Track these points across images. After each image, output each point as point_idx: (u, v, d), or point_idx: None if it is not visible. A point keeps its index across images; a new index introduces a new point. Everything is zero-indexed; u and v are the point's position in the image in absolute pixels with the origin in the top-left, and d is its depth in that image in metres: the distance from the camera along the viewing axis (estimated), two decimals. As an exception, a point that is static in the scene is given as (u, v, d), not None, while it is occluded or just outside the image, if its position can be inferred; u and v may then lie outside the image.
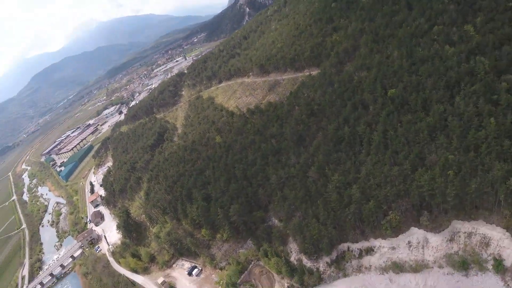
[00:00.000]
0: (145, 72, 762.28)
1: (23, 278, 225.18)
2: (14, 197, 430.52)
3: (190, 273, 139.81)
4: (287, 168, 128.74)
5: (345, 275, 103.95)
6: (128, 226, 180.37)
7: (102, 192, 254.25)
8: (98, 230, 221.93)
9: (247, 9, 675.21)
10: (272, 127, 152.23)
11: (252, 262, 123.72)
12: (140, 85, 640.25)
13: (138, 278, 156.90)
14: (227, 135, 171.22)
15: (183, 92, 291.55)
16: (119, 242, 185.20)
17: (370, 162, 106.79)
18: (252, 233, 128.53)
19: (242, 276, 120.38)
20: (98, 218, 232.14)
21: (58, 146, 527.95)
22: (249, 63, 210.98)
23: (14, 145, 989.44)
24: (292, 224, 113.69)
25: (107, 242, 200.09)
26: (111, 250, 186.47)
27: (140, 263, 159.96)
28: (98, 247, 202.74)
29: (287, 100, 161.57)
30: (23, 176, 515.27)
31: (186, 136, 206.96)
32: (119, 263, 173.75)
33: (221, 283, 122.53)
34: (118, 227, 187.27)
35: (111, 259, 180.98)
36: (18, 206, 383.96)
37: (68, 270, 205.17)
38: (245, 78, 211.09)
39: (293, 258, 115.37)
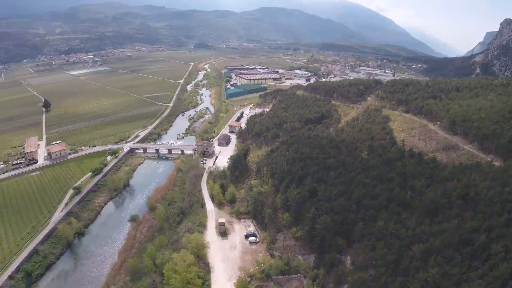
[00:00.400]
0: (351, 63, 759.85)
1: (136, 136, 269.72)
2: (181, 81, 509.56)
3: (246, 236, 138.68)
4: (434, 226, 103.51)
5: None
6: (237, 163, 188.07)
7: (243, 125, 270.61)
8: (217, 148, 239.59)
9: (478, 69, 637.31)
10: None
11: (298, 275, 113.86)
12: (340, 71, 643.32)
13: (209, 205, 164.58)
14: (373, 156, 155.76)
15: (368, 98, 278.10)
16: (221, 168, 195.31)
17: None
18: (321, 252, 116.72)
19: (280, 277, 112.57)
20: (224, 140, 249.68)
21: (242, 70, 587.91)
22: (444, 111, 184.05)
23: (211, 48, 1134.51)
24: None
25: (214, 162, 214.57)
26: (210, 169, 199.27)
27: (220, 196, 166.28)
28: (205, 160, 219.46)
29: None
30: (199, 72, 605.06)
31: (346, 131, 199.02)
32: (207, 183, 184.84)
33: (259, 266, 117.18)
34: (230, 158, 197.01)
35: (204, 175, 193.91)
36: (178, 89, 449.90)
37: (171, 157, 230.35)
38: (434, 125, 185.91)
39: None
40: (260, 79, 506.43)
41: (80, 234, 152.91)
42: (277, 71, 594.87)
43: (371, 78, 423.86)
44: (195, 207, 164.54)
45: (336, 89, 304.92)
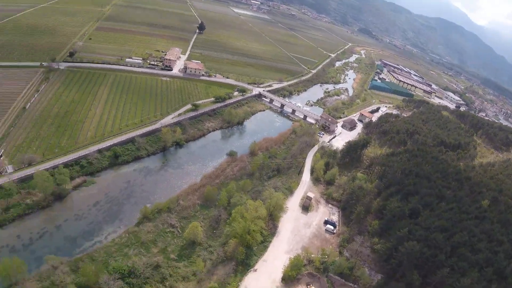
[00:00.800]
0: (509, 111, 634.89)
1: (269, 86, 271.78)
2: (333, 55, 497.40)
3: (325, 222, 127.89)
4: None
5: None
6: (352, 150, 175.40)
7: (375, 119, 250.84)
8: (339, 129, 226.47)
9: None
10: None
11: (355, 286, 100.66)
12: (494, 113, 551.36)
13: (306, 176, 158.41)
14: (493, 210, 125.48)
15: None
16: (334, 148, 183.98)
17: None
18: (390, 277, 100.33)
19: (337, 278, 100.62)
20: (350, 125, 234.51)
21: (395, 69, 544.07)
22: None
23: (374, 37, 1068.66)
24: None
25: (330, 140, 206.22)
26: (323, 144, 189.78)
27: (321, 172, 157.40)
28: (323, 134, 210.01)
29: None
30: (354, 55, 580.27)
31: (476, 171, 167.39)
32: (314, 155, 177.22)
33: (322, 256, 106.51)
34: (348, 142, 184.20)
35: (315, 147, 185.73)
36: (326, 61, 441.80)
37: (292, 118, 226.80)
38: None
39: None
40: (410, 84, 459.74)
41: (178, 144, 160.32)
42: (430, 85, 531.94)
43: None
44: (292, 171, 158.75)
45: (484, 127, 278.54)
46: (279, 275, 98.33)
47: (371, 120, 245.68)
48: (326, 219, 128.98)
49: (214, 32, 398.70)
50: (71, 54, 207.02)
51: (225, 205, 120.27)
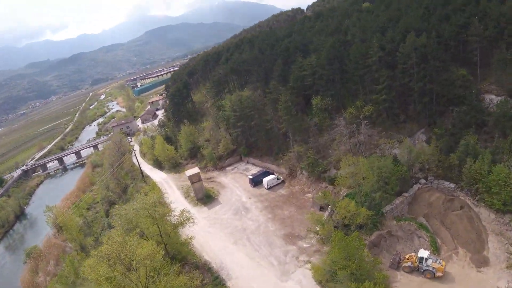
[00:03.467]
0: None
1: (32, 159, 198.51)
2: (81, 106, 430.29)
3: (255, 183, 75.49)
4: None
5: None
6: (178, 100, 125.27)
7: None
8: (141, 126, 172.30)
9: None
10: None
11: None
12: None
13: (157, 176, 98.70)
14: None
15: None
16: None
17: None
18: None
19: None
20: (150, 115, 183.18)
21: (146, 76, 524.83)
22: None
23: (108, 79, 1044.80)
24: None
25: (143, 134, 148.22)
26: (140, 139, 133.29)
27: (170, 151, 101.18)
28: (131, 139, 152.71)
29: None
30: (101, 96, 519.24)
31: None
32: (143, 155, 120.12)
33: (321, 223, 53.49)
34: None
35: (136, 147, 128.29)
36: (80, 109, 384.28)
37: (84, 161, 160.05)
38: None
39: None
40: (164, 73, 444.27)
41: None
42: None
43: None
44: (131, 187, 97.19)
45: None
46: None
47: (166, 101, 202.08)
48: (250, 176, 77.08)
49: None
50: None
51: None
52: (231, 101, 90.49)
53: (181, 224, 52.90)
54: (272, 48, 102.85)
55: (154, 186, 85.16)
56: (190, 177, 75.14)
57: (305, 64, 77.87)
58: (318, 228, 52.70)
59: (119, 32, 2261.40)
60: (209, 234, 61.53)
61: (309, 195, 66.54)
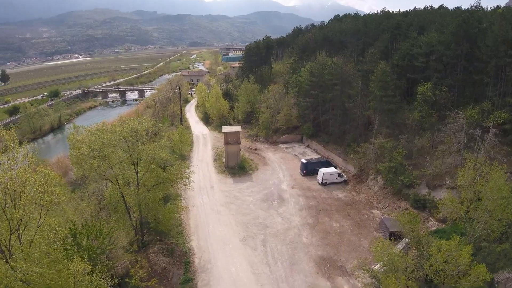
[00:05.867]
0: None
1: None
2: (169, 58, 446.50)
3: (308, 171, 54.60)
4: None
5: None
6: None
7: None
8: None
9: None
10: None
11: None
12: None
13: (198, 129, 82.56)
14: None
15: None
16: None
17: None
18: None
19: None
20: (223, 75, 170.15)
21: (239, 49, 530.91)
22: None
23: (205, 45, 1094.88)
24: None
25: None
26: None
27: (224, 107, 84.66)
28: (194, 91, 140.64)
29: None
30: (192, 56, 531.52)
31: None
32: (197, 107, 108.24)
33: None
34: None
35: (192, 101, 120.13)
36: (164, 62, 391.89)
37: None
38: None
39: None
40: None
41: None
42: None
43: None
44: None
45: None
46: None
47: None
48: (304, 161, 55.96)
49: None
50: None
51: None
52: (310, 66, 69.55)
53: (170, 180, 33.80)
54: (380, 23, 79.08)
55: (182, 131, 67.36)
56: (226, 135, 55.96)
57: (421, 41, 54.09)
58: (378, 266, 30.62)
59: (228, 5, 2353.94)
60: (216, 213, 42.29)
61: (377, 211, 43.90)
